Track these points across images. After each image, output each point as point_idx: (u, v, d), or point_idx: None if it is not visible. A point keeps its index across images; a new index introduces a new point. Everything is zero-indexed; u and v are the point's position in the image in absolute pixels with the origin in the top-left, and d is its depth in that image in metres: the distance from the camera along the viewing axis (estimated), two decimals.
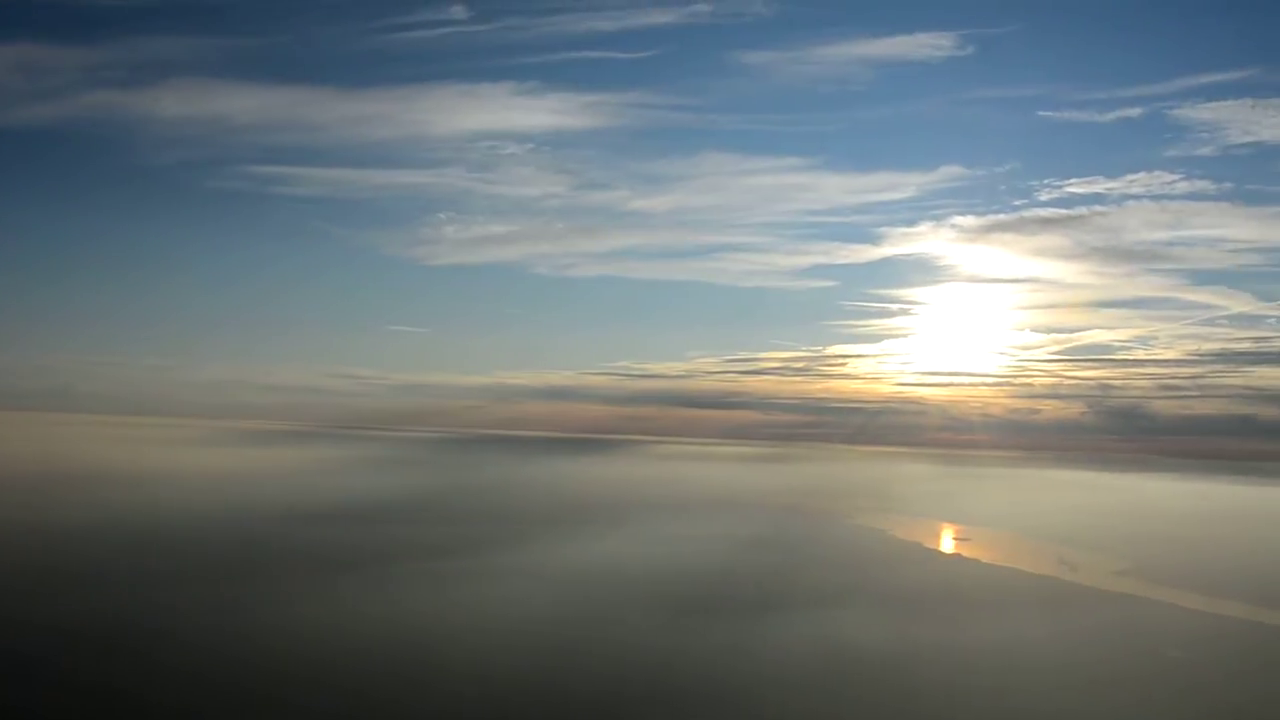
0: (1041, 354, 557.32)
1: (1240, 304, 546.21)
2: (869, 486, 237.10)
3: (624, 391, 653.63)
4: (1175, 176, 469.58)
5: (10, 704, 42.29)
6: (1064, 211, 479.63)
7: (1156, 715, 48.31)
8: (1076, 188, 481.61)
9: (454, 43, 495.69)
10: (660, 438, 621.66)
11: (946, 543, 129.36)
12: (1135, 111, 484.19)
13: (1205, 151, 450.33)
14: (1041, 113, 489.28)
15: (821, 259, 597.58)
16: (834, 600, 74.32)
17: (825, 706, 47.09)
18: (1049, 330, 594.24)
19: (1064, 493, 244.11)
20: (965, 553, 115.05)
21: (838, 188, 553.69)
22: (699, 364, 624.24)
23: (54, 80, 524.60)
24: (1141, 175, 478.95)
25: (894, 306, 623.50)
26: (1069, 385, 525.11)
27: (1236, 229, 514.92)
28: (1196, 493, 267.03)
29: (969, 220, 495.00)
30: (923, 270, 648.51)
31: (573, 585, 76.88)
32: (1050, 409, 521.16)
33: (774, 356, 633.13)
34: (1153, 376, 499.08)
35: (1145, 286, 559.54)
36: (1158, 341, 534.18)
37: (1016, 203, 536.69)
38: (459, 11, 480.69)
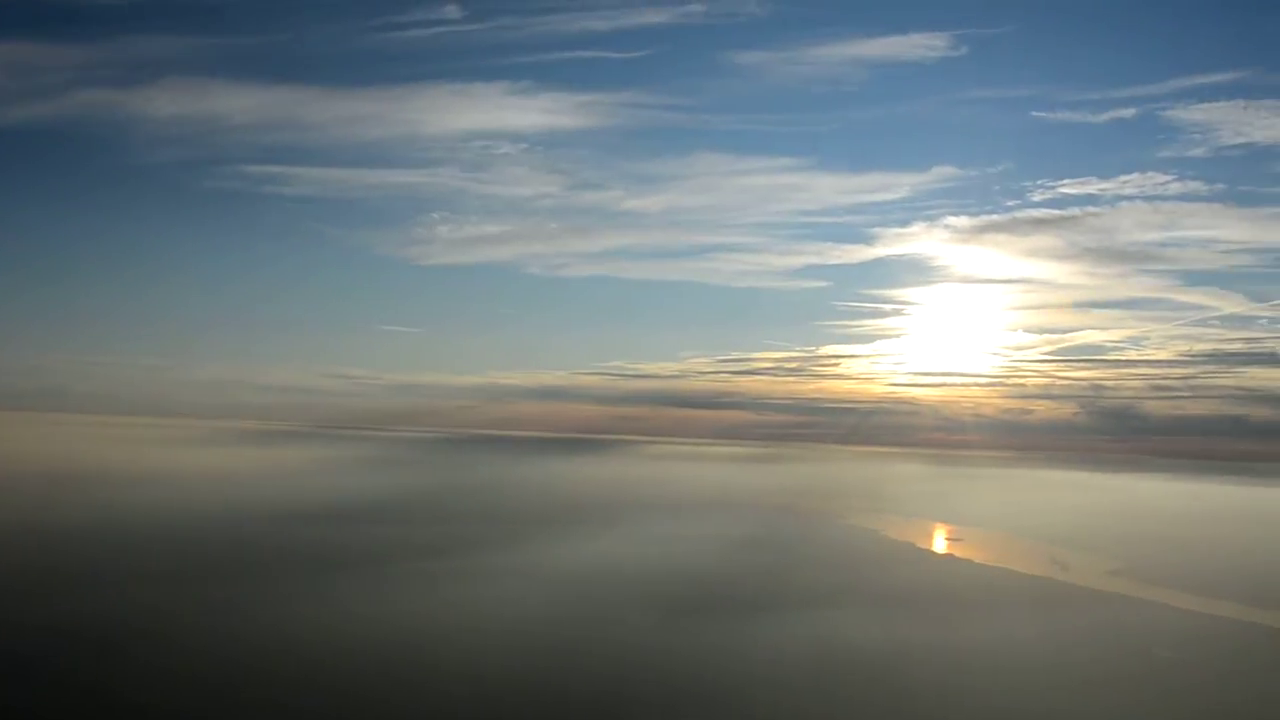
0: (1034, 354, 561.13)
1: (1232, 305, 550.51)
2: (862, 487, 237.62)
3: (617, 391, 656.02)
4: (1168, 177, 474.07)
5: (6, 704, 42.30)
6: (1057, 212, 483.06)
7: (1147, 715, 48.55)
8: (1069, 188, 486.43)
9: (447, 42, 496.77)
10: (653, 438, 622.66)
11: (939, 543, 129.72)
12: (1128, 112, 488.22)
13: (1198, 152, 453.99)
14: (1035, 113, 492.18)
15: (814, 259, 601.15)
16: (827, 600, 74.53)
17: (818, 706, 47.23)
18: (1041, 331, 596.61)
19: (1056, 493, 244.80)
20: (958, 553, 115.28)
21: (831, 188, 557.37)
22: (692, 364, 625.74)
23: (48, 79, 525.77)
24: (1134, 176, 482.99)
25: (887, 307, 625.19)
26: (1061, 386, 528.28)
27: (1229, 230, 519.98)
28: (1188, 493, 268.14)
29: (962, 221, 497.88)
30: (916, 271, 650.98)
31: (565, 585, 76.95)
32: (1043, 409, 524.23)
33: (767, 357, 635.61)
34: (1145, 377, 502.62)
35: (1138, 287, 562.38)
36: (1150, 342, 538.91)
37: (1009, 203, 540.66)
38: (452, 11, 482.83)
